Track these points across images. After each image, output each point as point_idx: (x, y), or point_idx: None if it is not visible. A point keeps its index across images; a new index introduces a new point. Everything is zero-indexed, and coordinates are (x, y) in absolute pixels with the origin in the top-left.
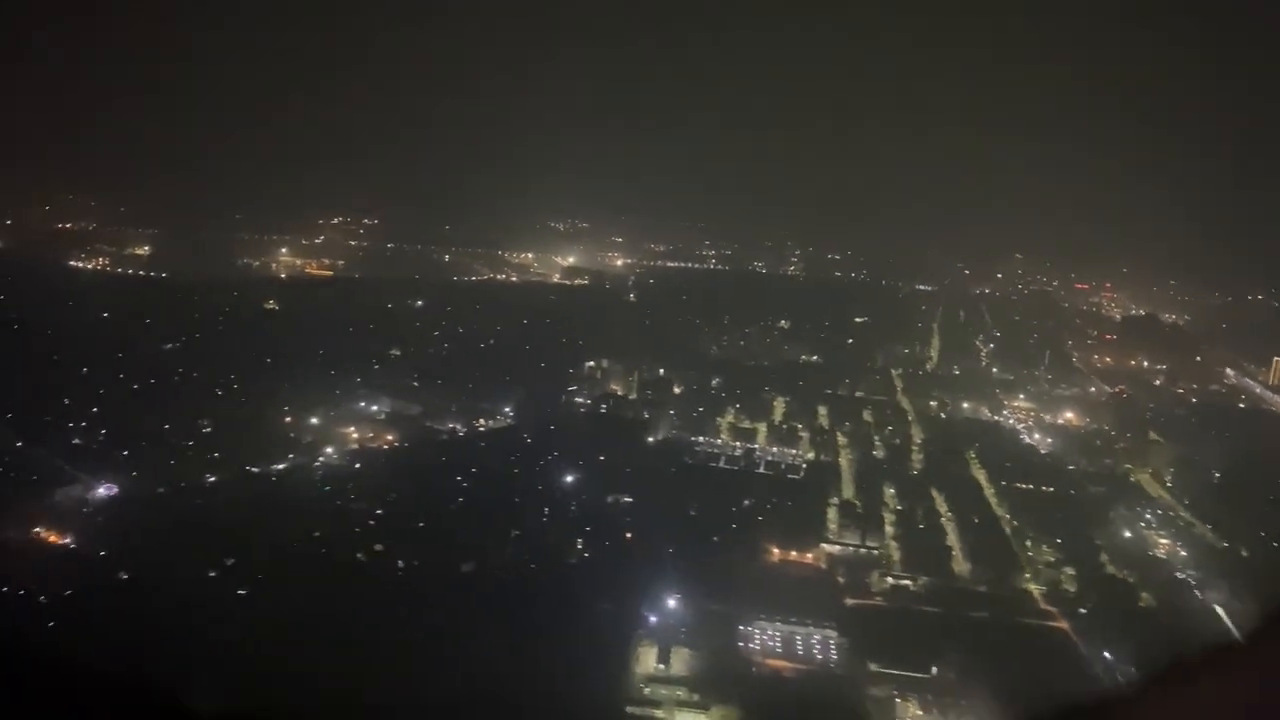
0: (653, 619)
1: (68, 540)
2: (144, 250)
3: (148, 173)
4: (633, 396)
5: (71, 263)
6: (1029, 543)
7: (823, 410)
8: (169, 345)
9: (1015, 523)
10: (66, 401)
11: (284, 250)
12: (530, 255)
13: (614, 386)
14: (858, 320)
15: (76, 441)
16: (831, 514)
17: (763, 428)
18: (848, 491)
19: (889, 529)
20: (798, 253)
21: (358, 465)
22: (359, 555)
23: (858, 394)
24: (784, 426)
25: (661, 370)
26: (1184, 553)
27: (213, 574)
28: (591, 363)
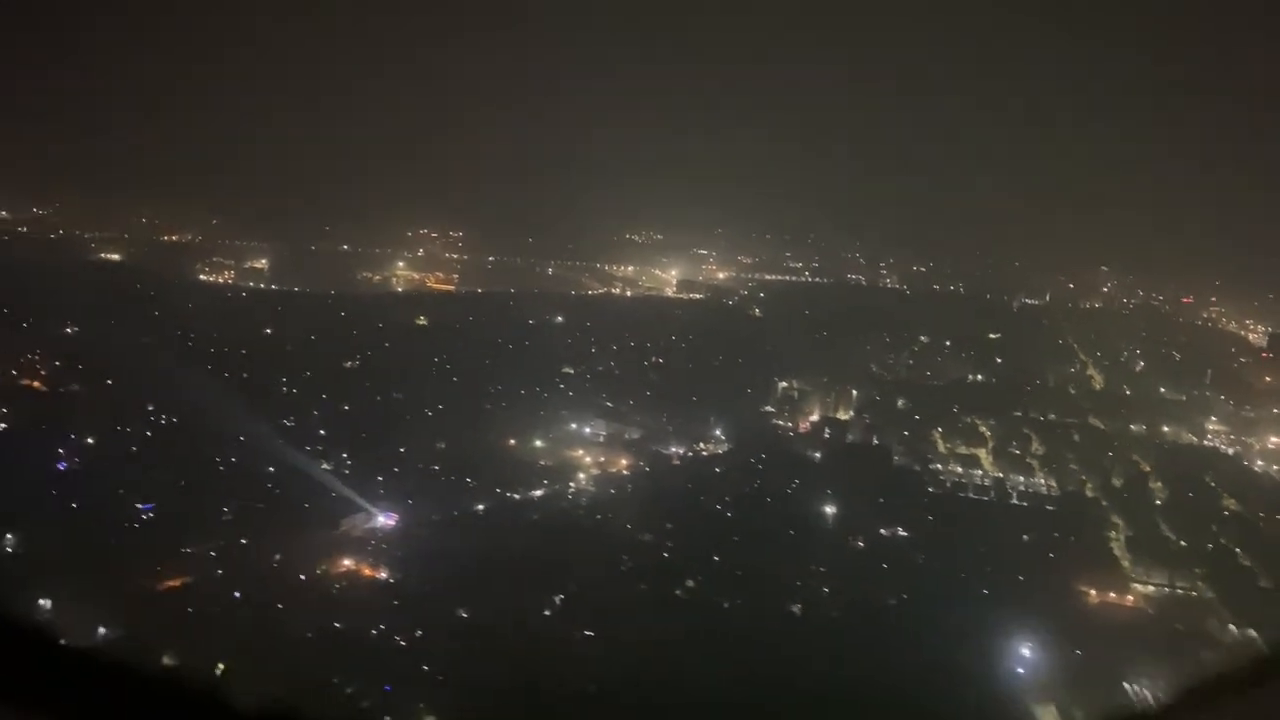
0: (1019, 670)
1: (382, 574)
2: (261, 263)
3: (215, 182)
4: (843, 417)
5: (200, 276)
6: None
7: (1027, 432)
8: (348, 364)
9: None
10: (288, 424)
11: (400, 264)
12: (631, 268)
13: (813, 408)
14: (991, 336)
15: (326, 467)
16: (1116, 549)
17: (982, 453)
18: (1119, 524)
19: (1188, 567)
20: (883, 264)
21: (612, 491)
22: (678, 592)
23: (1050, 415)
24: (1007, 452)
25: (855, 391)
26: None
27: (548, 612)
28: (785, 383)
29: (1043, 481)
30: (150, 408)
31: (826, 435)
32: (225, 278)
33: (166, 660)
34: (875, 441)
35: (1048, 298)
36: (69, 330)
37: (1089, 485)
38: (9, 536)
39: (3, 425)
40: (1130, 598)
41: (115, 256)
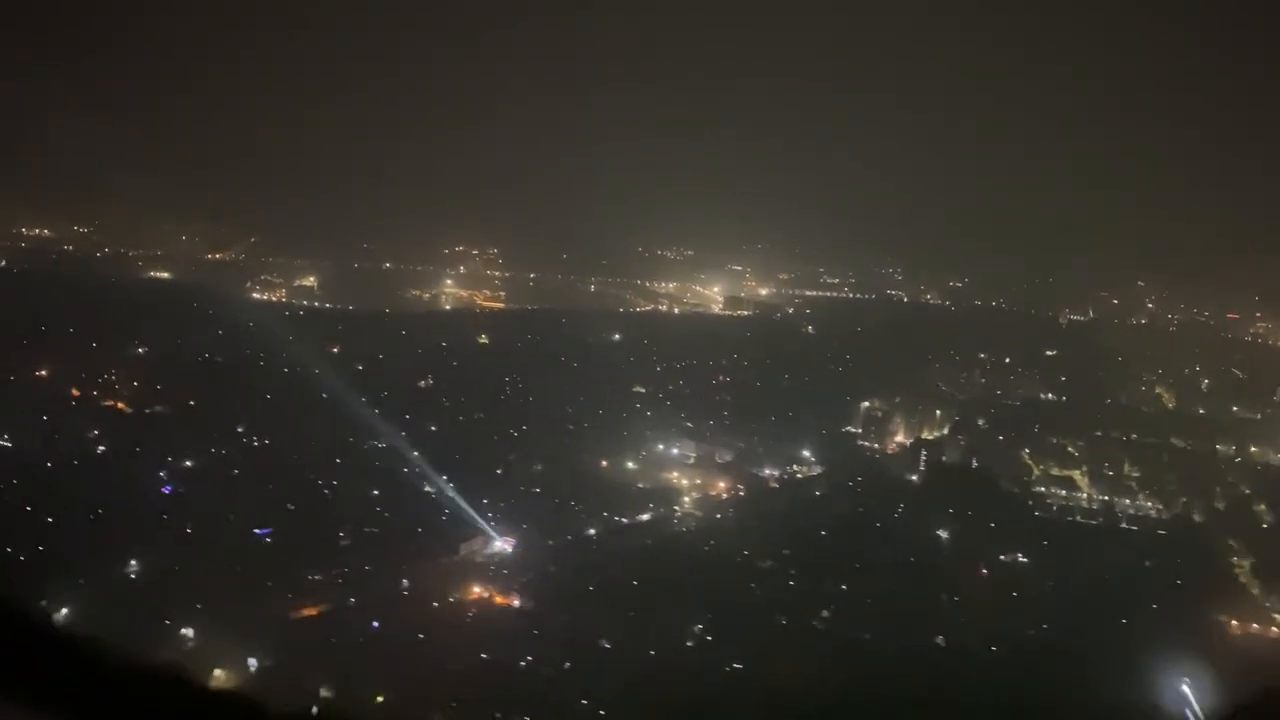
0: (1185, 711)
1: (515, 601)
2: (310, 281)
3: (246, 199)
4: (929, 437)
5: (253, 295)
6: None
7: (1116, 454)
8: (422, 383)
9: None
10: (380, 446)
11: (447, 281)
12: (673, 285)
13: (896, 428)
14: (1049, 354)
15: (429, 490)
16: (1243, 576)
17: (1077, 474)
18: (1238, 549)
19: None
20: (922, 280)
21: (718, 516)
22: (815, 623)
23: (1132, 435)
24: (1103, 474)
25: (939, 411)
26: None
27: (690, 643)
28: (865, 403)
29: (1148, 505)
30: (240, 429)
31: (923, 456)
32: (278, 296)
33: (324, 692)
34: (974, 464)
35: (1091, 313)
36: (140, 350)
37: (1194, 508)
38: (133, 563)
39: (100, 448)
40: (1274, 628)
41: (165, 275)
